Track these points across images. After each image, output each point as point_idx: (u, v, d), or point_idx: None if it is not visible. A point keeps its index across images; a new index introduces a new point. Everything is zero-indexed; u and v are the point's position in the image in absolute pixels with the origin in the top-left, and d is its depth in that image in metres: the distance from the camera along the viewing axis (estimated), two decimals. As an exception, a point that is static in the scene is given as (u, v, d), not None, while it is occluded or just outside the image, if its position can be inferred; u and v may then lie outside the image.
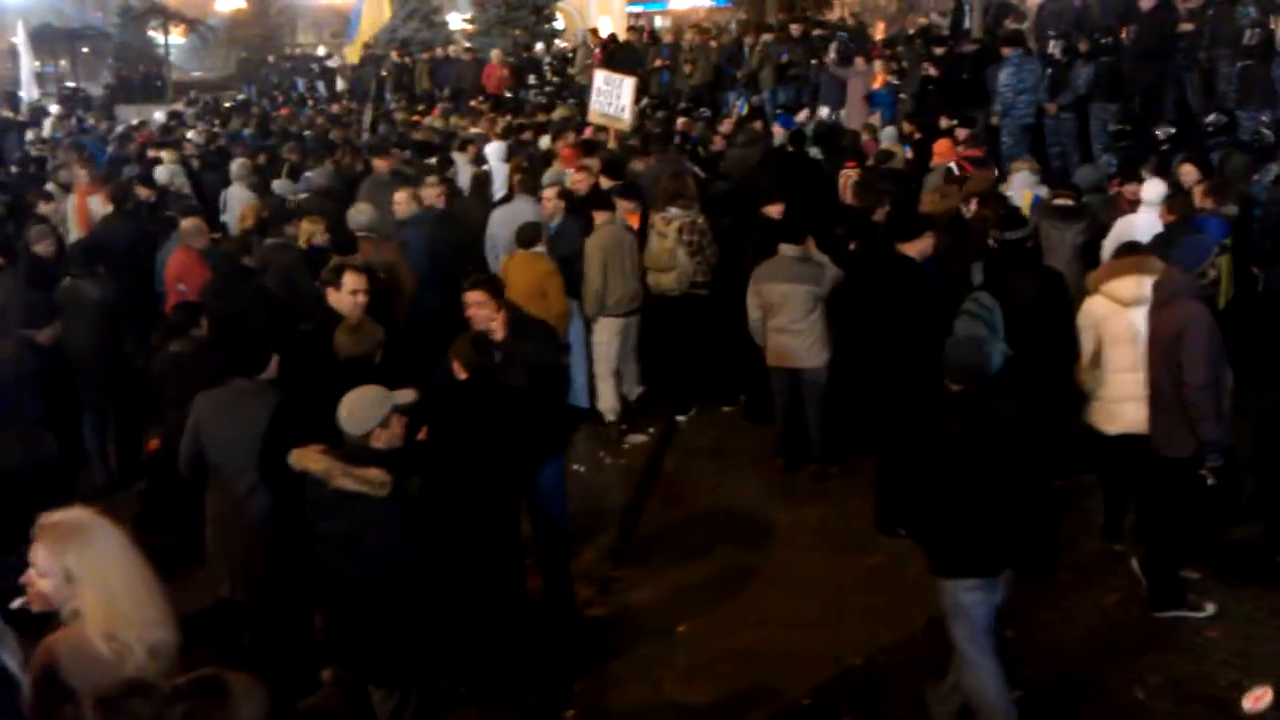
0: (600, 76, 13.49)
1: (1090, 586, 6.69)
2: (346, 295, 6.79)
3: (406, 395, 4.70)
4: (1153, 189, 8.44)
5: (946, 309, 7.15)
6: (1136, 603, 6.44)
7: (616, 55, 18.72)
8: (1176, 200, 8.17)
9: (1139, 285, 6.33)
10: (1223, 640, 6.05)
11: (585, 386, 9.75)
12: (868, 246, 8.34)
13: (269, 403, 5.54)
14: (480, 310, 6.27)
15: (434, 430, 5.23)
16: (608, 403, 9.43)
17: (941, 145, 11.28)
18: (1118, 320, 6.57)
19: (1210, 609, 6.28)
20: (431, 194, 10.15)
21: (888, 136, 13.31)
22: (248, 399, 5.65)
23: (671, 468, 8.76)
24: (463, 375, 5.43)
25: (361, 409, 4.62)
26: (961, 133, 11.95)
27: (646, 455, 8.96)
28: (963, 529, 4.96)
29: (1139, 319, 6.39)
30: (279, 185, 11.77)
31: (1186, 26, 12.90)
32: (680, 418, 9.57)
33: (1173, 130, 10.80)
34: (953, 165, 10.78)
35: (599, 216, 9.43)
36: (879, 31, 21.90)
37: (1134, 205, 8.84)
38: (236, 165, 12.97)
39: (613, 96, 12.96)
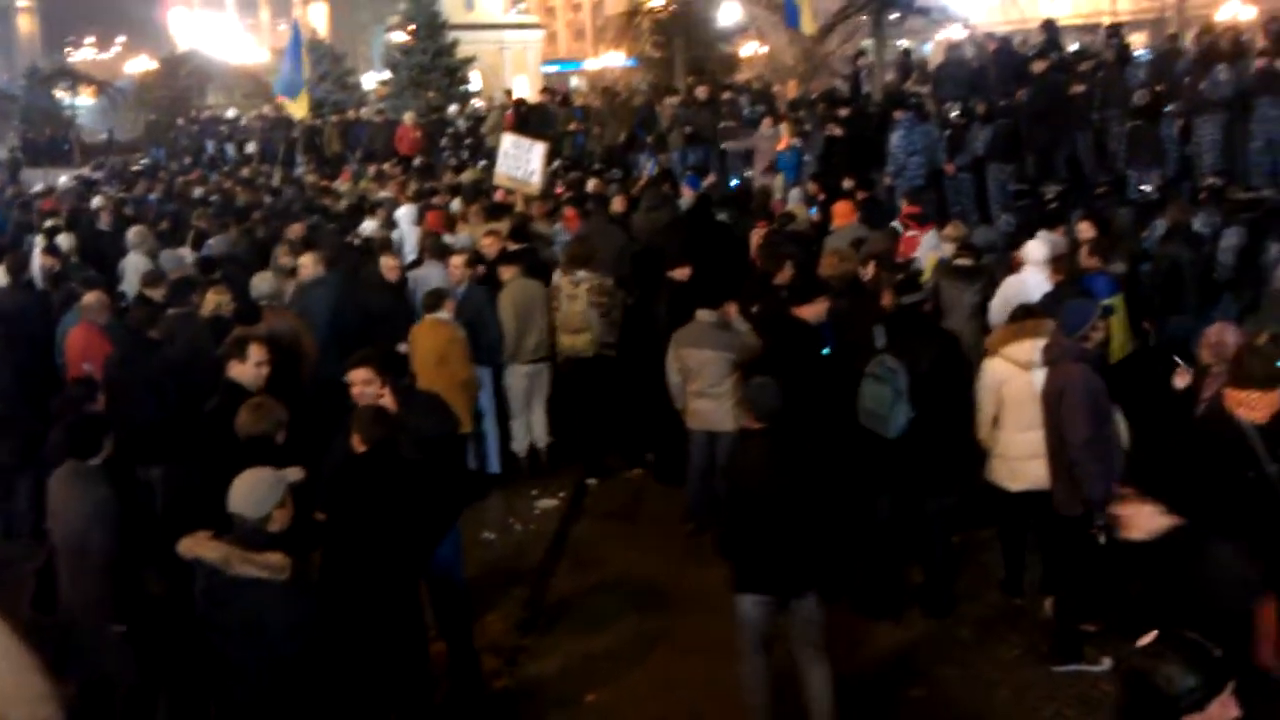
0: (509, 140, 13.63)
1: (991, 641, 6.80)
2: (251, 367, 6.74)
3: (295, 474, 4.65)
4: (1035, 250, 8.69)
5: (847, 372, 7.29)
6: (1036, 656, 6.55)
7: (529, 117, 18.88)
8: (1064, 260, 8.42)
9: (1035, 348, 6.52)
10: (1118, 693, 6.17)
11: (498, 451, 9.78)
12: (770, 310, 8.46)
13: (88, 486, 5.52)
14: (366, 388, 6.09)
15: (334, 506, 5.17)
16: (521, 444, 9.86)
17: (841, 207, 11.44)
18: (1017, 382, 6.74)
19: (1106, 663, 6.38)
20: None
21: (793, 198, 13.54)
22: (76, 480, 5.60)
23: (581, 533, 8.74)
24: (362, 449, 5.38)
25: (259, 492, 4.56)
26: (861, 194, 12.21)
27: (556, 520, 8.93)
28: (754, 551, 5.53)
29: (1038, 380, 6.56)
30: (166, 256, 11.60)
31: (1078, 88, 13.41)
32: (591, 481, 9.57)
33: (1060, 189, 11.15)
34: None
35: (506, 272, 9.80)
36: (790, 91, 22.36)
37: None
38: (133, 233, 12.73)
39: (521, 160, 13.11)
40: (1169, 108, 12.61)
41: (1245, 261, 9.62)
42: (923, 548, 7.19)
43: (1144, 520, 4.42)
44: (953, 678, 6.46)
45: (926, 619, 7.04)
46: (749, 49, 40.95)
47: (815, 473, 5.59)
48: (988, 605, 7.21)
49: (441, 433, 6.57)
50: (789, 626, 5.73)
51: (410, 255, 12.06)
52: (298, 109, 18.74)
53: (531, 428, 9.92)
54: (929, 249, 10.03)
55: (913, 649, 6.74)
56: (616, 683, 6.57)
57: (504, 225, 11.18)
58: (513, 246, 10.52)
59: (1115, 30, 14.28)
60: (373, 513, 5.18)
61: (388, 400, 6.12)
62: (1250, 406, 5.59)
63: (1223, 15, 38.59)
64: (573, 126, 18.68)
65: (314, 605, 4.55)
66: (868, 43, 21.05)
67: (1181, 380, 6.74)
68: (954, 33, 30.06)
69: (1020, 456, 6.75)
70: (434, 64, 27.09)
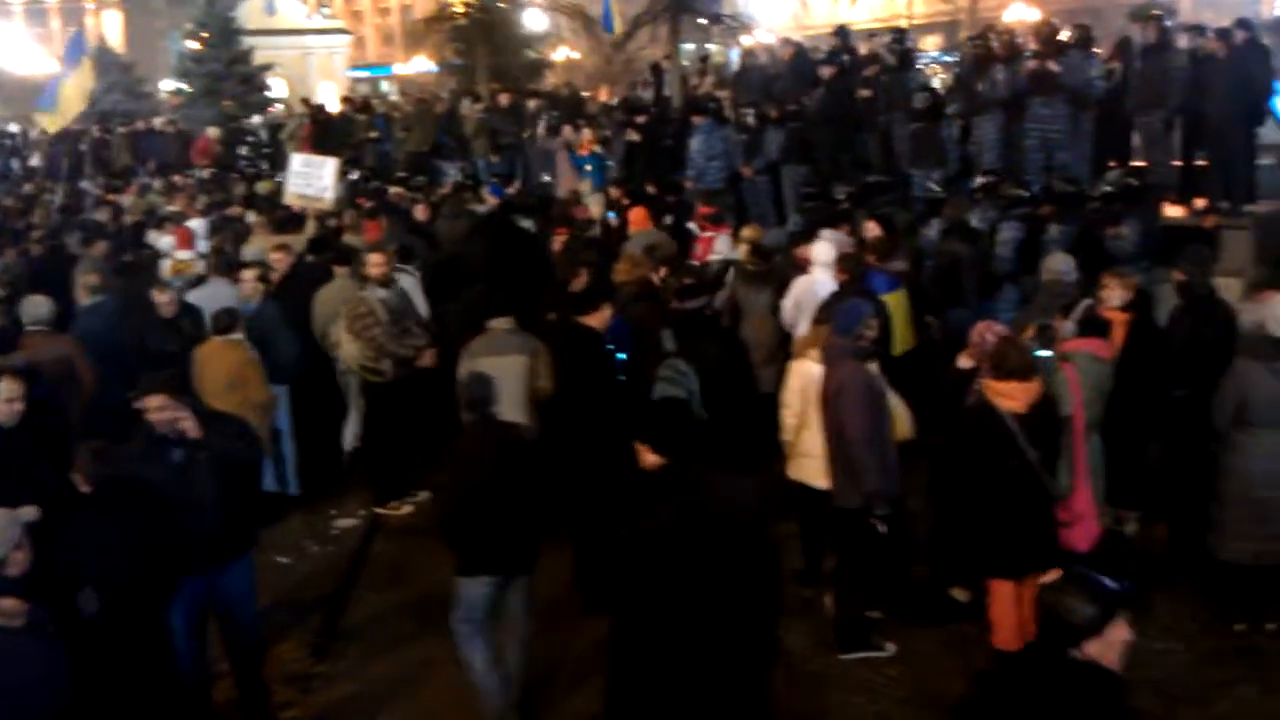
0: (299, 159, 13.47)
1: (784, 632, 6.91)
2: (2, 404, 6.32)
3: (30, 513, 4.39)
4: (822, 251, 8.93)
5: (645, 376, 7.34)
6: (825, 646, 6.72)
7: (328, 126, 18.46)
8: (847, 260, 8.66)
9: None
10: (901, 678, 6.40)
11: (296, 472, 9.50)
12: (558, 318, 8.44)
13: None
14: (163, 414, 5.77)
15: (65, 549, 4.90)
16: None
17: (637, 213, 11.54)
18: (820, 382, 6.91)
19: (891, 648, 6.63)
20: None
21: (595, 203, 13.60)
22: None
23: (381, 551, 8.55)
24: (86, 488, 5.12)
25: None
26: (673, 198, 12.37)
27: (356, 540, 8.73)
28: (471, 534, 5.87)
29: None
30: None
31: (865, 93, 13.85)
32: (379, 510, 9.24)
33: (850, 190, 11.49)
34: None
35: (339, 270, 9.91)
36: (602, 95, 22.50)
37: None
38: (-99, 260, 11.97)
39: (313, 177, 12.90)
40: (949, 109, 13.12)
41: (1023, 254, 10.07)
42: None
43: (650, 456, 4.76)
44: (746, 674, 6.56)
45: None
46: (562, 54, 41.13)
47: (530, 461, 6.03)
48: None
49: (248, 457, 6.40)
50: (506, 606, 6.09)
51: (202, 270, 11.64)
52: (54, 120, 17.81)
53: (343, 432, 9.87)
54: (720, 252, 10.20)
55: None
56: (413, 704, 6.47)
57: (295, 239, 10.88)
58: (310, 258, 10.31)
59: (899, 36, 14.75)
60: (101, 556, 4.90)
61: (189, 424, 5.86)
62: (1010, 397, 5.87)
63: (1010, 18, 40.70)
64: (373, 135, 18.34)
65: (59, 651, 4.30)
66: (688, 47, 21.37)
67: (966, 361, 6.97)
68: (762, 37, 30.83)
69: (806, 452, 6.90)
70: (228, 72, 26.23)
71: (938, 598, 7.02)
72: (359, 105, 20.30)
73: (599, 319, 7.50)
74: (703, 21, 22.54)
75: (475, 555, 5.95)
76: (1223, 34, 11.54)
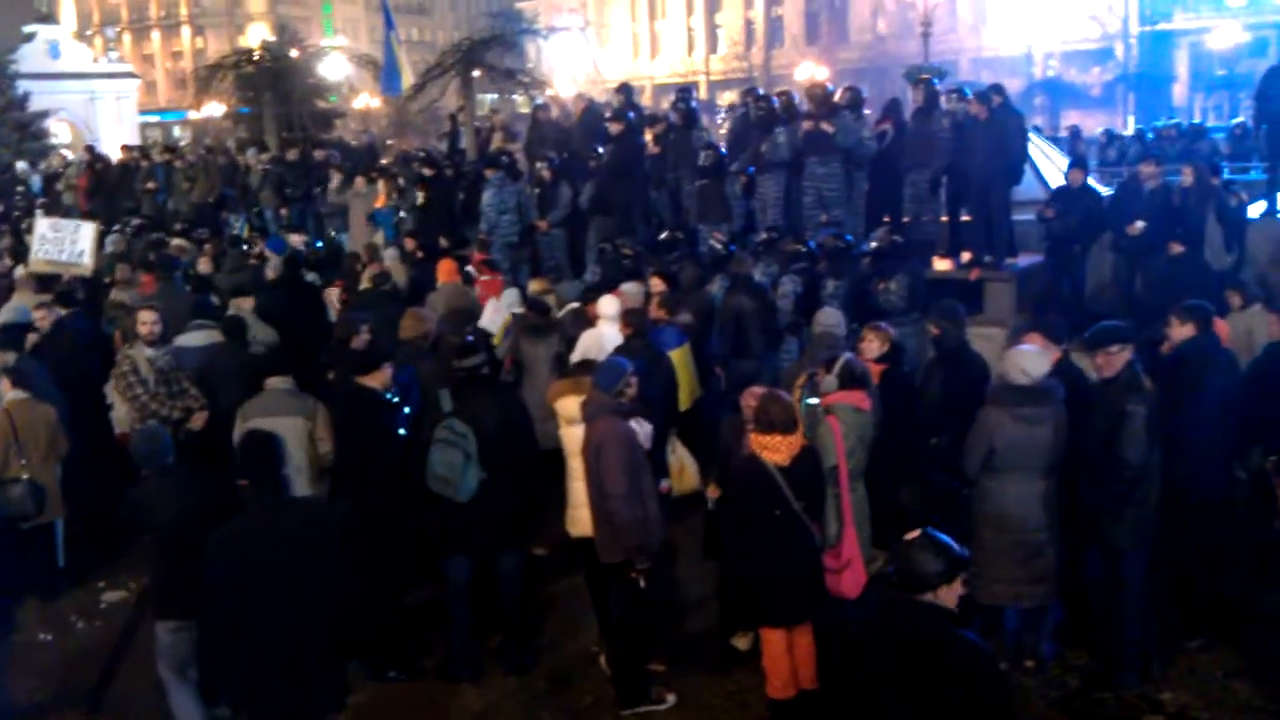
0: (45, 224, 12.62)
1: (566, 691, 6.95)
2: None
3: None
4: (607, 305, 9.08)
5: (424, 436, 7.28)
6: (607, 702, 6.74)
7: (105, 176, 17.71)
8: (632, 315, 8.82)
9: (575, 404, 6.78)
10: (682, 729, 6.49)
11: (64, 542, 9.00)
12: (338, 378, 8.30)
13: None
14: None
15: None
16: None
17: (446, 265, 11.51)
18: (570, 433, 6.97)
19: (671, 699, 6.69)
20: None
21: (390, 257, 13.43)
22: None
23: (151, 624, 8.14)
24: None
25: None
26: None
27: (125, 614, 8.30)
28: (162, 582, 6.17)
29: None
30: None
31: (654, 150, 14.16)
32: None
33: (640, 248, 11.70)
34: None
35: None
36: (404, 144, 22.23)
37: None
38: None
39: (65, 242, 12.14)
40: (733, 166, 13.52)
41: (803, 307, 10.43)
42: (500, 607, 7.27)
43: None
44: (529, 734, 6.56)
45: (506, 677, 7.10)
46: (364, 100, 40.66)
47: (212, 508, 5.96)
48: (565, 655, 7.37)
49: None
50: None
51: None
52: None
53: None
54: (506, 307, 10.24)
55: (490, 709, 6.78)
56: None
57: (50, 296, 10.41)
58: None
59: (684, 94, 15.10)
60: None
61: None
62: (773, 450, 6.09)
63: (801, 75, 42.46)
64: (151, 185, 17.66)
65: None
66: (491, 97, 21.29)
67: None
68: (563, 90, 31.09)
69: (577, 504, 6.95)
70: (1, 119, 24.90)
71: (720, 647, 7.16)
72: (138, 153, 19.55)
73: (379, 379, 7.42)
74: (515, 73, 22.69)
75: (159, 600, 6.16)
76: (981, 98, 12.26)
